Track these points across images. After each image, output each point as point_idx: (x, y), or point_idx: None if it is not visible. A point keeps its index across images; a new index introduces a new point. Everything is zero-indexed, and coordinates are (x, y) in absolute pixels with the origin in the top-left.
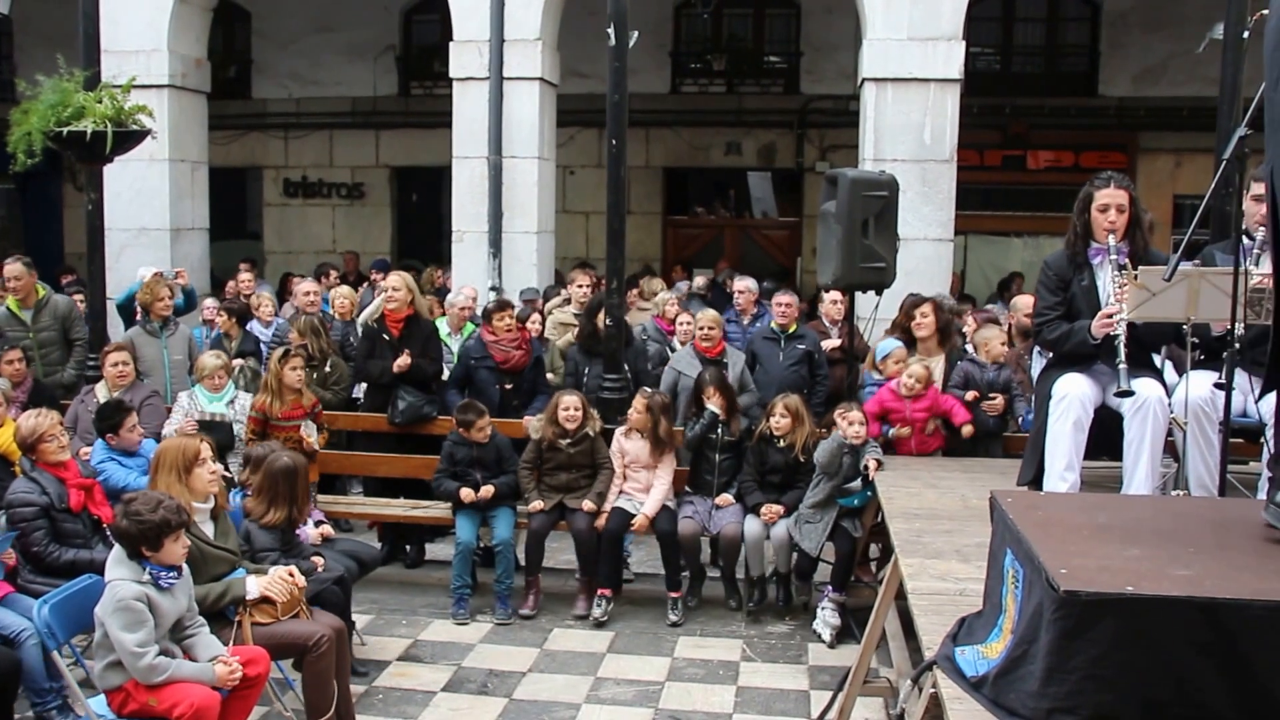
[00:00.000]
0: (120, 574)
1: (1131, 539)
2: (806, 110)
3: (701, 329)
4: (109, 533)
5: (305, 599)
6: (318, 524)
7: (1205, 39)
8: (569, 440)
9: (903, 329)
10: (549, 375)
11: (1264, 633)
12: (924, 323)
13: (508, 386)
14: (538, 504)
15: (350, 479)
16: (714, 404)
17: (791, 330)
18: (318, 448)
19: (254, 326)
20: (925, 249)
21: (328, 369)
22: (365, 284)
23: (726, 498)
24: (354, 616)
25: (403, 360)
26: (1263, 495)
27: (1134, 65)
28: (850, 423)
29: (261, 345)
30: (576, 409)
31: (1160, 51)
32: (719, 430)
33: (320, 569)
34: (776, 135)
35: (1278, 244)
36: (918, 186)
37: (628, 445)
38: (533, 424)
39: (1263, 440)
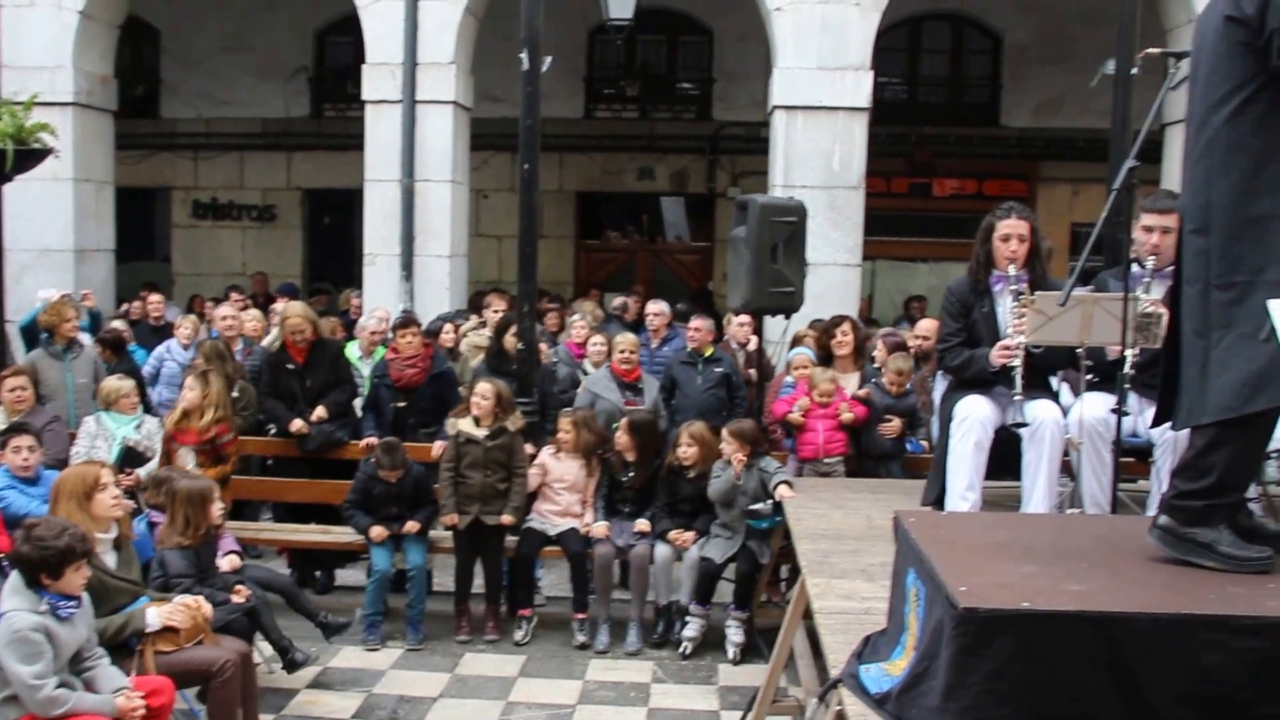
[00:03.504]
0: (16, 604)
1: (1028, 556)
2: (719, 136)
3: (621, 353)
4: (4, 562)
5: (211, 627)
6: (227, 554)
7: (1098, 75)
8: (486, 433)
9: (821, 346)
10: (461, 389)
11: (1149, 644)
12: (844, 341)
13: (401, 405)
14: (452, 517)
15: (260, 505)
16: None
17: (708, 354)
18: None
19: (173, 348)
20: (834, 274)
21: (235, 394)
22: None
23: (643, 523)
24: (260, 644)
25: (299, 427)
26: (1151, 512)
27: (1034, 98)
28: (730, 445)
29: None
30: (487, 397)
31: (1058, 85)
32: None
33: (243, 599)
34: (689, 161)
35: (1177, 275)
36: (827, 212)
37: (555, 466)
38: (452, 423)
39: (1151, 460)
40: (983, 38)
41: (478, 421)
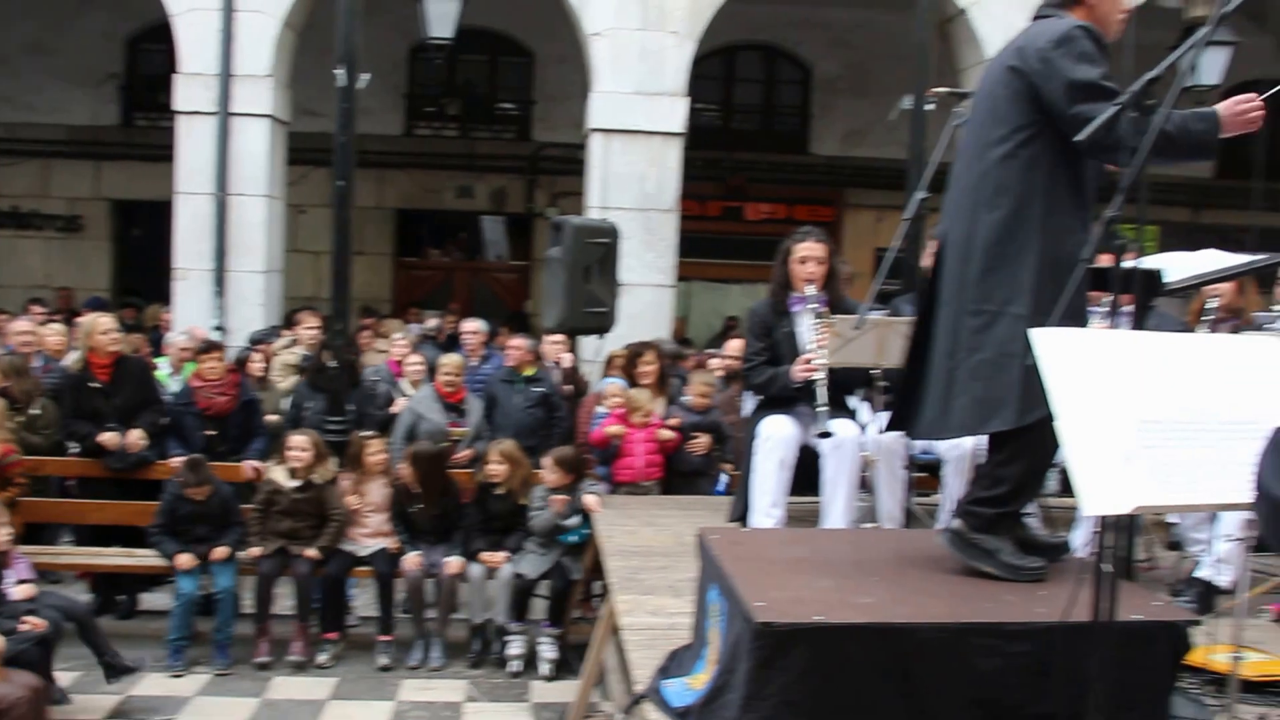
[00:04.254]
0: None
1: (825, 571)
2: (538, 157)
3: (445, 374)
4: None
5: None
6: (19, 582)
7: (896, 109)
8: (295, 485)
9: (627, 373)
10: (270, 417)
11: (931, 653)
12: (646, 370)
13: (211, 433)
14: (256, 550)
15: (60, 528)
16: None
17: (528, 373)
18: None
19: None
20: (648, 294)
21: (36, 412)
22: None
23: (453, 564)
24: (58, 673)
25: (109, 438)
26: (942, 525)
27: (841, 127)
28: (553, 474)
29: None
30: (305, 449)
31: (864, 116)
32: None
33: (34, 628)
34: (508, 180)
35: (932, 296)
36: (641, 234)
37: (376, 492)
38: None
39: (941, 475)
40: (794, 69)
41: (292, 473)
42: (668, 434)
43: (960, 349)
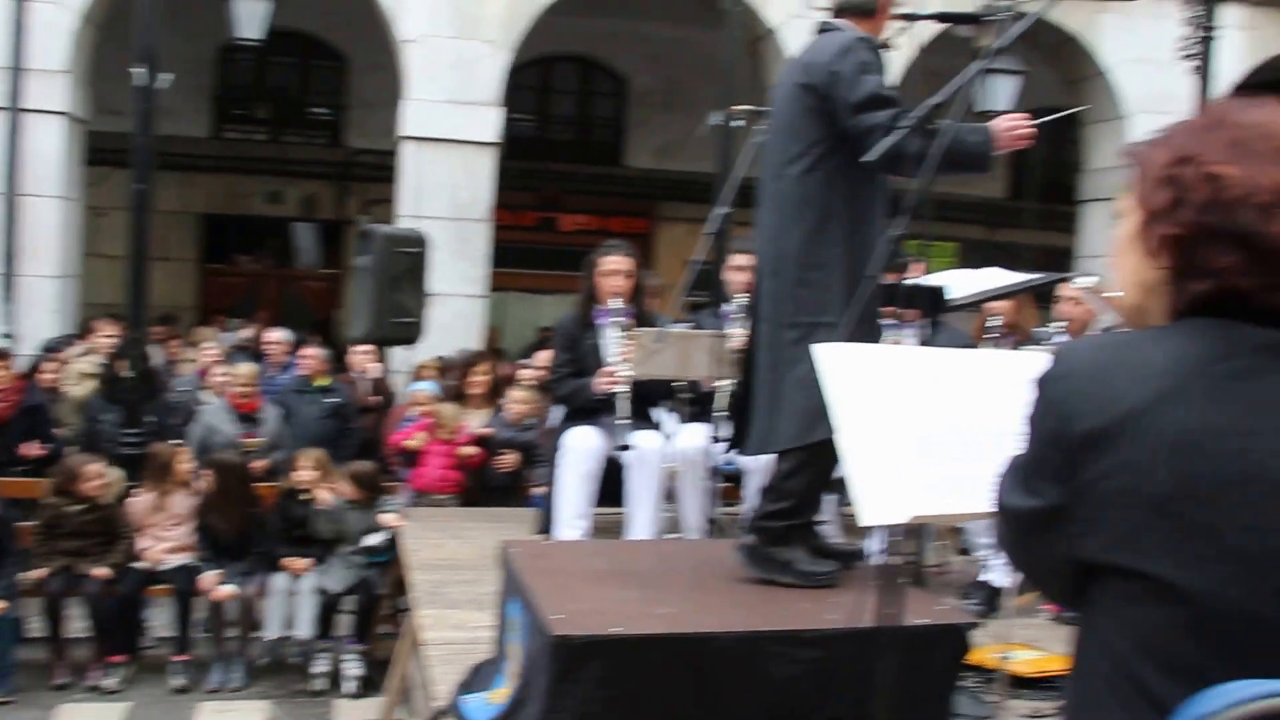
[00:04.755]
0: None
1: (626, 582)
2: (351, 163)
3: (237, 385)
4: None
5: None
6: None
7: (704, 124)
8: (80, 509)
9: (455, 381)
10: (60, 430)
11: (727, 661)
12: (479, 381)
13: None
14: (39, 572)
15: None
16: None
17: (321, 383)
18: None
19: None
20: (460, 305)
21: None
22: None
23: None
24: None
25: None
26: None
27: (655, 140)
28: (348, 487)
29: None
30: (94, 478)
31: (678, 130)
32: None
33: None
34: (320, 186)
35: (755, 313)
36: (454, 244)
37: (179, 504)
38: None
39: (744, 486)
40: (610, 82)
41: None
42: (469, 451)
43: (782, 363)
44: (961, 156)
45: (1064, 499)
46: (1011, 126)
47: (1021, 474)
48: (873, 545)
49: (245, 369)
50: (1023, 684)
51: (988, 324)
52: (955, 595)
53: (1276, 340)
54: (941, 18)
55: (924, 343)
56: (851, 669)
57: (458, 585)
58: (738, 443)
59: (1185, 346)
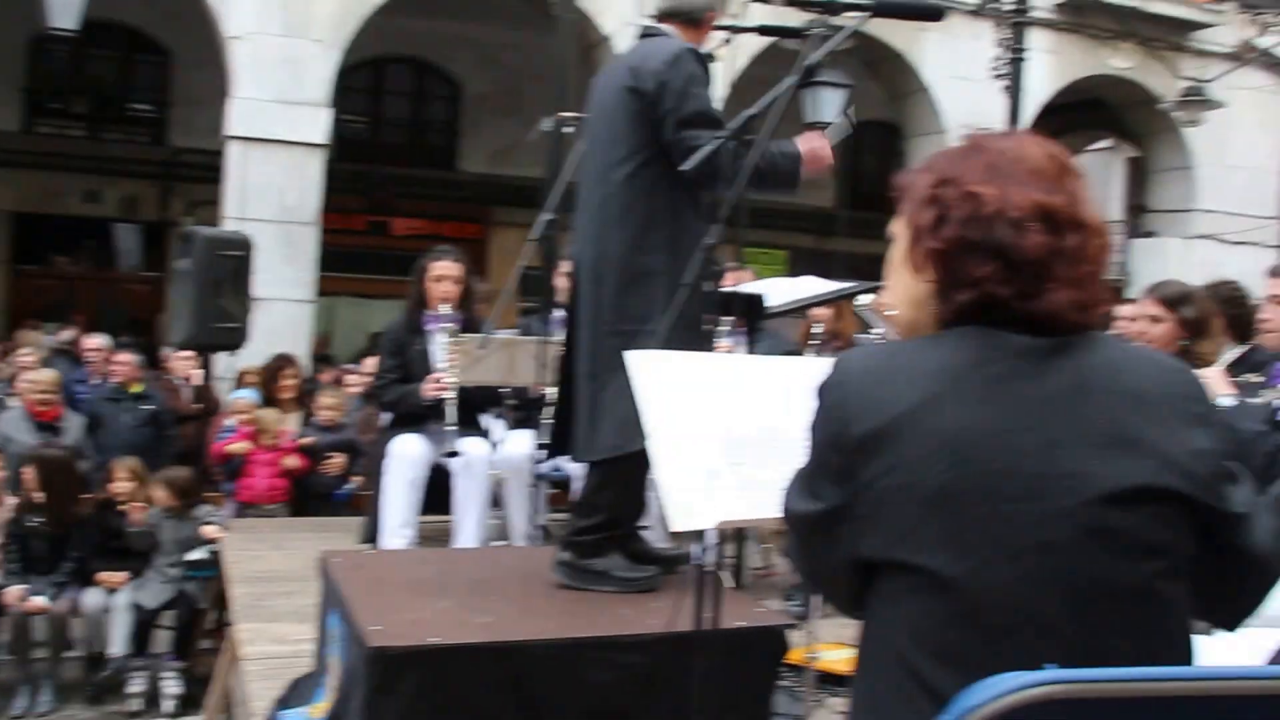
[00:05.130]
0: None
1: (447, 591)
2: (174, 163)
3: (36, 391)
4: None
5: None
6: None
7: (535, 130)
8: None
9: (265, 387)
10: None
11: (546, 669)
12: (287, 385)
13: None
14: None
15: None
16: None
17: (135, 389)
18: None
19: None
20: (287, 310)
21: None
22: None
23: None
24: None
25: None
26: None
27: (490, 145)
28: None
29: None
30: None
31: (512, 135)
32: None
33: None
34: (141, 186)
35: (572, 320)
36: (280, 248)
37: None
38: None
39: (572, 492)
40: (444, 85)
41: None
42: (293, 462)
43: (603, 371)
44: (772, 175)
45: (844, 499)
46: (814, 150)
47: (806, 480)
48: (698, 549)
49: (46, 375)
50: (836, 681)
51: (812, 331)
52: (778, 597)
53: (1031, 346)
54: (764, 31)
55: (748, 349)
56: (671, 673)
57: (279, 598)
58: (557, 449)
59: (953, 352)
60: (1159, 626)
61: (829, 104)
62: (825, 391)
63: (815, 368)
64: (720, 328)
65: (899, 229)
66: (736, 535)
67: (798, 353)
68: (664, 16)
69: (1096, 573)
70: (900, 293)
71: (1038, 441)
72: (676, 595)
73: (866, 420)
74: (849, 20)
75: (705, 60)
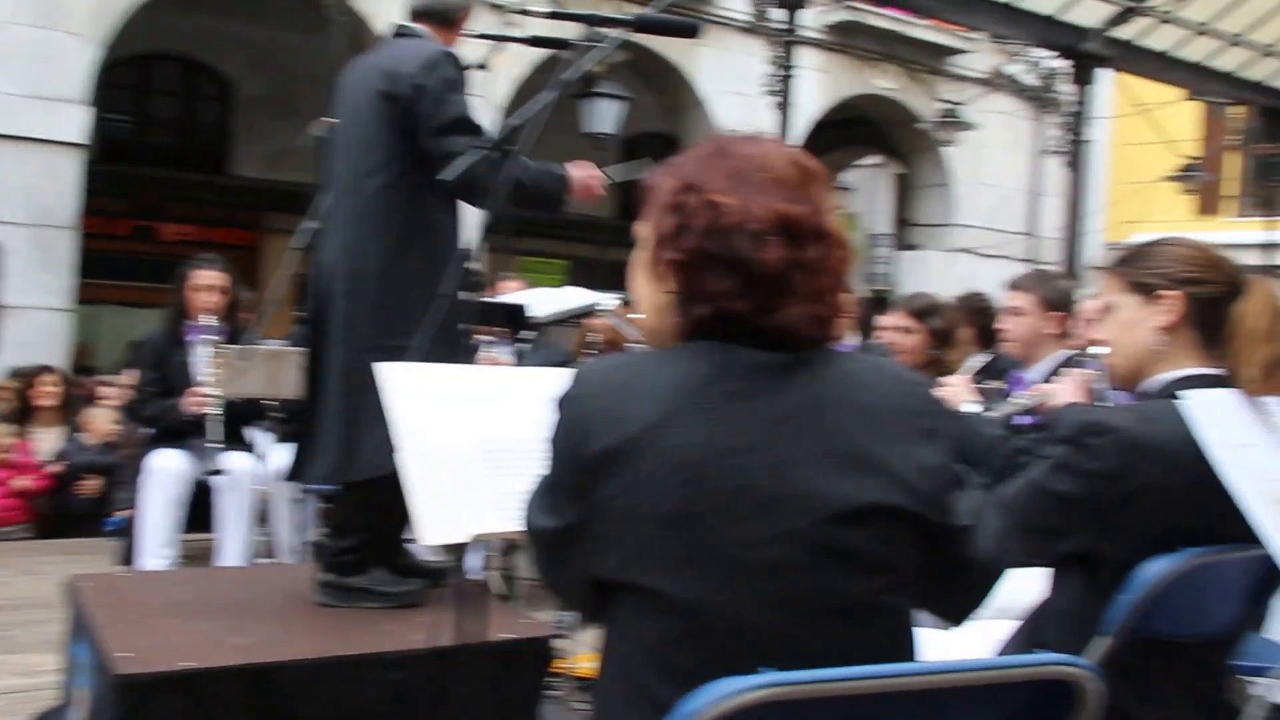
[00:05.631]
0: None
1: (205, 613)
2: None
3: None
4: None
5: None
6: None
7: (307, 134)
8: None
9: (20, 397)
10: None
11: (308, 689)
12: (47, 392)
13: None
14: None
15: None
16: None
17: None
18: None
19: None
20: (42, 318)
21: None
22: None
23: None
24: None
25: None
26: None
27: (263, 149)
28: None
29: None
30: None
31: (287, 138)
32: None
33: None
34: None
35: (321, 335)
36: (34, 253)
37: None
38: None
39: None
40: (214, 85)
41: None
42: (24, 483)
43: (360, 388)
44: (537, 194)
45: (581, 518)
46: (586, 178)
47: (544, 495)
48: (471, 561)
49: None
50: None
51: (587, 340)
52: (550, 607)
53: (767, 362)
54: (535, 42)
55: (520, 360)
56: (436, 688)
57: (25, 626)
58: (297, 473)
59: (688, 369)
60: (885, 638)
61: (607, 116)
62: (562, 407)
63: (564, 378)
64: (490, 339)
65: (644, 231)
66: (508, 546)
67: (572, 362)
68: (417, 15)
69: (826, 591)
70: (644, 299)
71: (771, 461)
72: (442, 608)
73: (602, 439)
74: (614, 34)
75: (461, 64)
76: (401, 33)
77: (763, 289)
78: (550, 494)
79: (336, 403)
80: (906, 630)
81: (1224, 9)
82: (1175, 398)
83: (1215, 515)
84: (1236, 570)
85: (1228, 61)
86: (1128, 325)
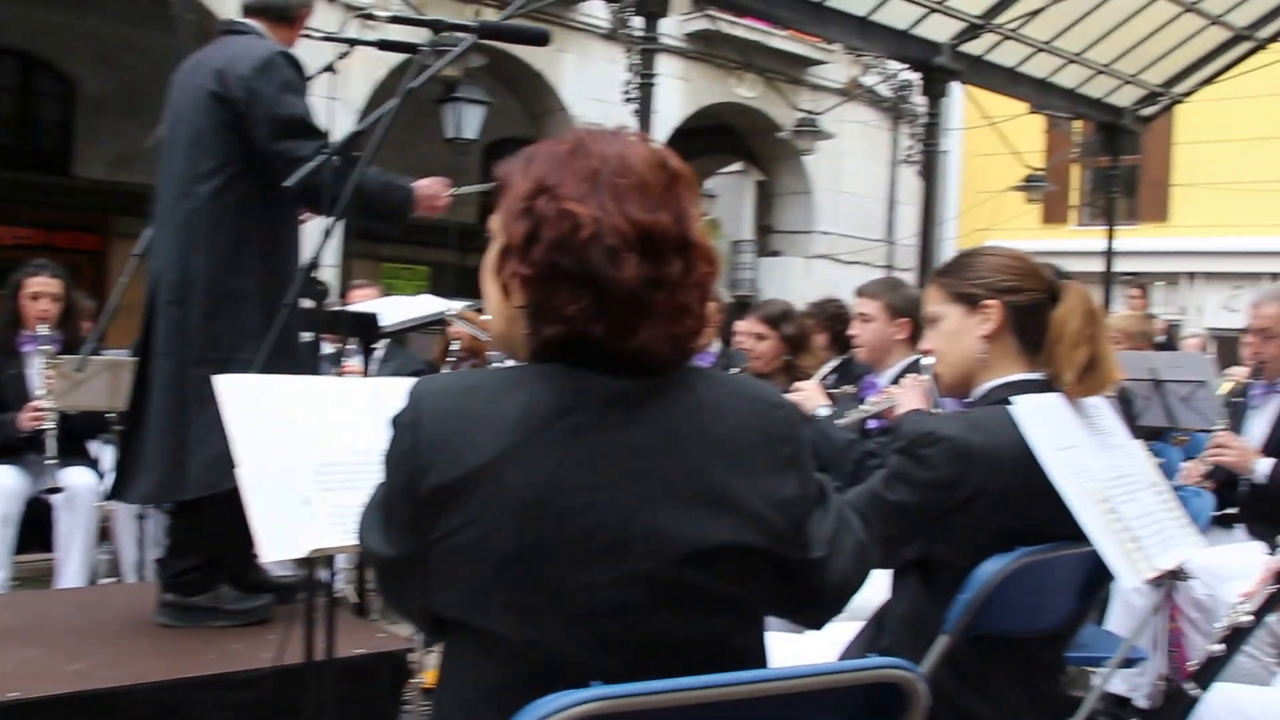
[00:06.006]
0: None
1: (38, 638)
2: None
3: None
4: None
5: None
6: None
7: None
8: None
9: None
10: None
11: (149, 714)
12: None
13: None
14: None
15: None
16: None
17: None
18: None
19: None
20: None
21: None
22: None
23: None
24: None
25: None
26: None
27: (110, 150)
28: None
29: None
30: None
31: (136, 139)
32: None
33: None
34: None
35: (146, 346)
36: None
37: None
38: None
39: None
40: (56, 82)
41: None
42: None
43: (191, 401)
44: (382, 209)
45: (415, 551)
46: (431, 193)
47: (378, 517)
48: (323, 573)
49: None
50: None
51: (449, 348)
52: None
53: (620, 391)
54: (382, 45)
55: (375, 369)
56: (286, 707)
57: None
58: (119, 491)
59: (535, 397)
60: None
61: (468, 121)
62: (398, 432)
63: (404, 394)
64: (345, 349)
65: (496, 228)
66: (362, 558)
67: (433, 371)
68: (251, 11)
69: (673, 633)
70: (493, 304)
71: (620, 499)
72: (291, 624)
73: (438, 472)
74: (462, 40)
75: (299, 64)
76: (233, 29)
77: (618, 310)
78: (384, 519)
79: (164, 417)
80: (757, 663)
81: (1065, 28)
82: (1003, 403)
83: (1046, 515)
84: (1069, 567)
85: (1068, 78)
86: (952, 335)
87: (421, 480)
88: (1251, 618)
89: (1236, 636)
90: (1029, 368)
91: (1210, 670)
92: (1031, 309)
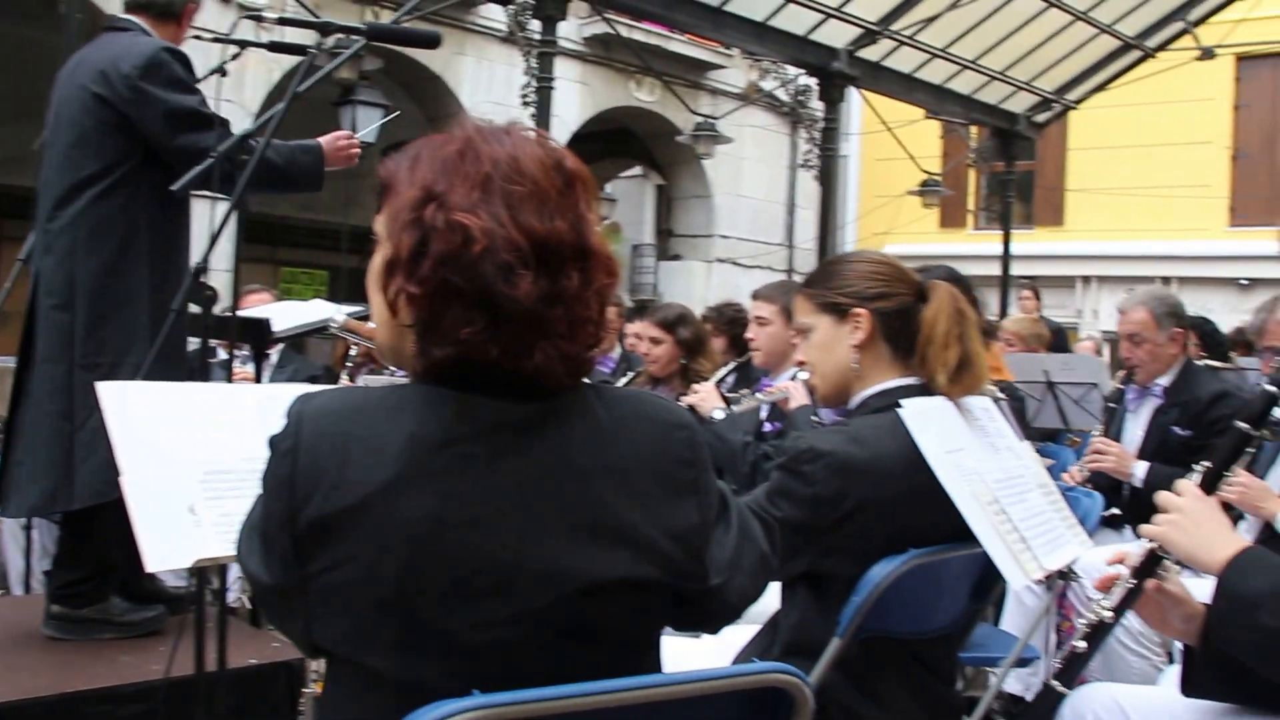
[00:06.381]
0: None
1: None
2: None
3: None
4: None
5: None
6: None
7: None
8: None
9: None
10: None
11: None
12: None
13: None
14: None
15: None
16: None
17: None
18: None
19: None
20: None
21: None
22: None
23: None
24: None
25: None
26: None
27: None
28: None
29: None
30: None
31: (25, 141)
32: None
33: None
34: None
35: (27, 352)
36: None
37: None
38: None
39: None
40: None
41: None
42: None
43: (79, 408)
44: (296, 171)
45: (293, 583)
46: (340, 144)
47: (255, 540)
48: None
49: None
50: None
51: (349, 353)
52: None
53: (511, 418)
54: (272, 47)
55: (267, 374)
56: (179, 719)
57: None
58: (1, 503)
59: (422, 424)
60: None
61: (366, 124)
62: (275, 459)
63: (285, 411)
64: (238, 355)
65: (381, 234)
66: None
67: (331, 376)
68: (133, 7)
69: (566, 669)
70: (381, 317)
71: (511, 533)
72: (181, 635)
73: (316, 505)
74: (354, 43)
75: (186, 58)
76: (115, 26)
77: (514, 330)
78: (262, 544)
79: (50, 425)
80: (655, 670)
81: (960, 35)
82: (880, 411)
83: (934, 519)
84: (960, 568)
85: (964, 84)
86: (824, 347)
87: (299, 512)
88: (1112, 615)
89: (1098, 633)
90: (903, 373)
91: (1074, 667)
92: (900, 313)
